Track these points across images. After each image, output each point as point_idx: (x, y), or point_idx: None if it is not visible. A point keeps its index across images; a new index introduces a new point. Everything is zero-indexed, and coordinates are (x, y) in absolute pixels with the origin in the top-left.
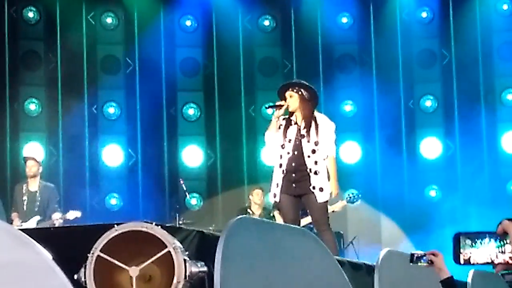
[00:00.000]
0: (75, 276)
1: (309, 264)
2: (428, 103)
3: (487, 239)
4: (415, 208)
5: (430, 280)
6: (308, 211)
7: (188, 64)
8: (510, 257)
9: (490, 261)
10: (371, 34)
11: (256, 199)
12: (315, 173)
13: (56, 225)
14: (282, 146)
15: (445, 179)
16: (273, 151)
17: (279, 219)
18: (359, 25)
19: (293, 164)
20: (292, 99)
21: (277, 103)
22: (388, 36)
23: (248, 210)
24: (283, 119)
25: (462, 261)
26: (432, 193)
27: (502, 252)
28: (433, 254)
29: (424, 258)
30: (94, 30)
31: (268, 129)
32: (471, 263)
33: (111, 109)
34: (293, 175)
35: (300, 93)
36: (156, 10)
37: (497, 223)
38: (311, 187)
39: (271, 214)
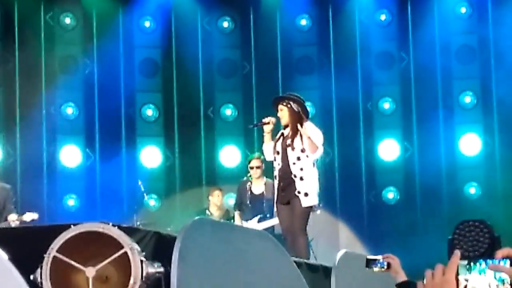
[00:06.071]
0: (31, 277)
1: (266, 265)
2: (386, 105)
3: (484, 264)
4: (373, 211)
5: (386, 282)
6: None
7: (147, 64)
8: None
9: None
10: (330, 36)
11: (215, 200)
12: (301, 178)
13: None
14: (274, 159)
15: (403, 181)
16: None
17: (238, 221)
18: (318, 27)
19: (281, 173)
20: (282, 112)
21: (261, 122)
22: (347, 38)
23: (207, 211)
24: (280, 132)
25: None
26: (390, 195)
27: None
28: (389, 258)
29: (381, 262)
30: (52, 30)
31: (264, 144)
32: None
33: (69, 110)
34: (281, 183)
35: (289, 106)
36: (115, 11)
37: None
38: (296, 192)
39: (232, 215)
